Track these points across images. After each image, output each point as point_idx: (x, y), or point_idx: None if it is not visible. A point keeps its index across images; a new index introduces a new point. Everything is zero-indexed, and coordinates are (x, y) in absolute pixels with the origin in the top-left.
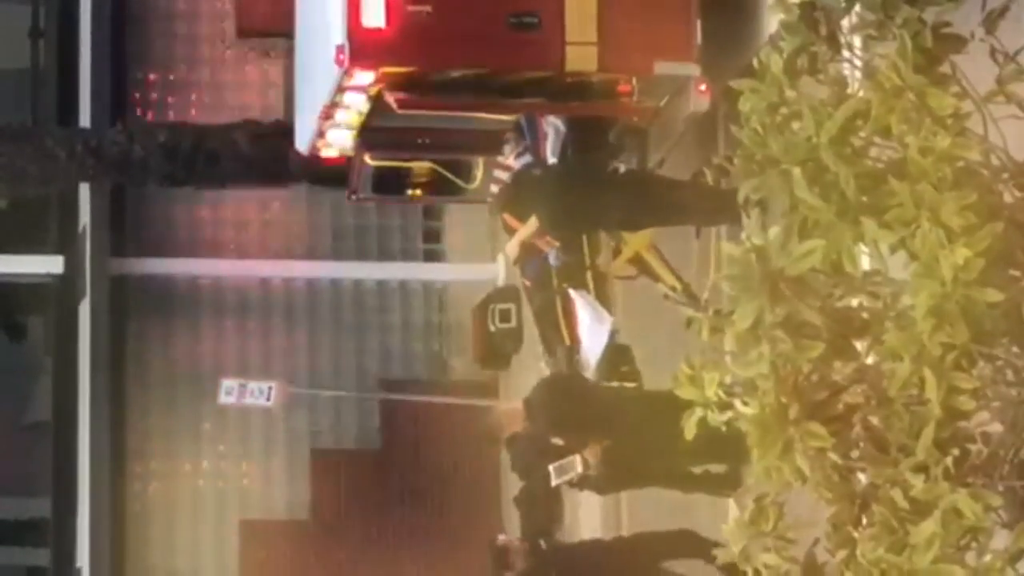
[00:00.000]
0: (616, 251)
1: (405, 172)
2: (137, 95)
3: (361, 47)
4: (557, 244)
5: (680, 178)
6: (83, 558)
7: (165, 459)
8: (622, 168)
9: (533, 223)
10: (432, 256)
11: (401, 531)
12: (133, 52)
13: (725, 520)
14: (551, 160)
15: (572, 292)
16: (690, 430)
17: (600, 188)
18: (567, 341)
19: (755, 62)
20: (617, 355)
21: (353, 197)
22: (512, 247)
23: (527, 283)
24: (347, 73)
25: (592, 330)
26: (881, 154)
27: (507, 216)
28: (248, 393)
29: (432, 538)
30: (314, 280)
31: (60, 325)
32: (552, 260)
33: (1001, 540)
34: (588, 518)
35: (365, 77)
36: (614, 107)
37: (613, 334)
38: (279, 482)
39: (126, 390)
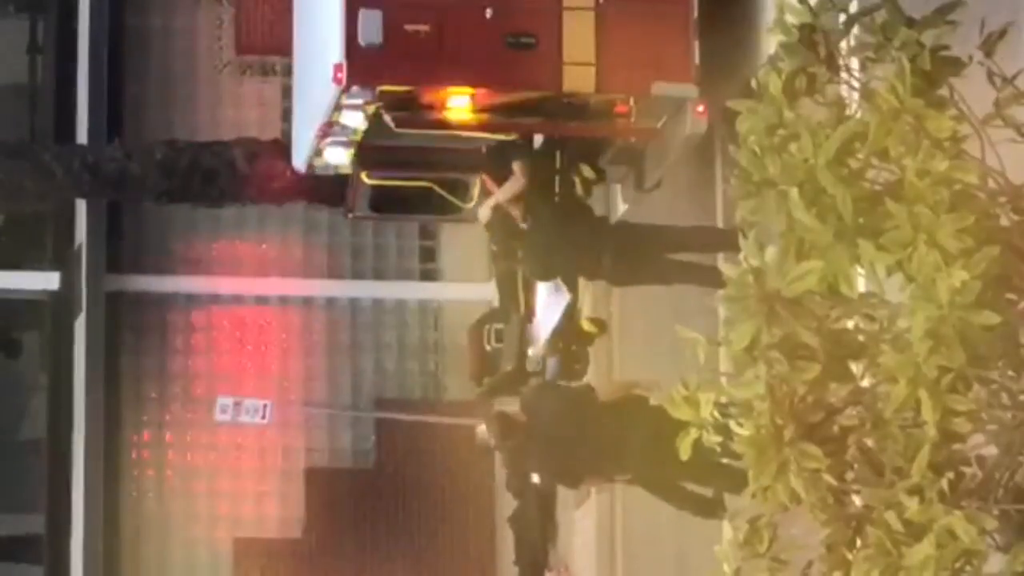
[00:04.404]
0: None
1: (402, 191)
2: (134, 112)
3: (359, 65)
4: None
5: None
6: (77, 575)
7: (159, 476)
8: (622, 205)
9: (508, 188)
10: (428, 275)
11: (395, 550)
12: (131, 69)
13: (719, 541)
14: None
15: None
16: (685, 450)
17: (593, 235)
18: (521, 311)
19: (753, 83)
20: (572, 354)
21: (350, 216)
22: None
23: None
24: (345, 91)
25: (548, 304)
26: (878, 176)
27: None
28: (243, 411)
29: (426, 557)
30: (310, 299)
31: (56, 341)
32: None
33: (996, 564)
34: (583, 539)
35: (363, 95)
36: (612, 127)
37: (568, 308)
38: (273, 500)
39: (121, 407)
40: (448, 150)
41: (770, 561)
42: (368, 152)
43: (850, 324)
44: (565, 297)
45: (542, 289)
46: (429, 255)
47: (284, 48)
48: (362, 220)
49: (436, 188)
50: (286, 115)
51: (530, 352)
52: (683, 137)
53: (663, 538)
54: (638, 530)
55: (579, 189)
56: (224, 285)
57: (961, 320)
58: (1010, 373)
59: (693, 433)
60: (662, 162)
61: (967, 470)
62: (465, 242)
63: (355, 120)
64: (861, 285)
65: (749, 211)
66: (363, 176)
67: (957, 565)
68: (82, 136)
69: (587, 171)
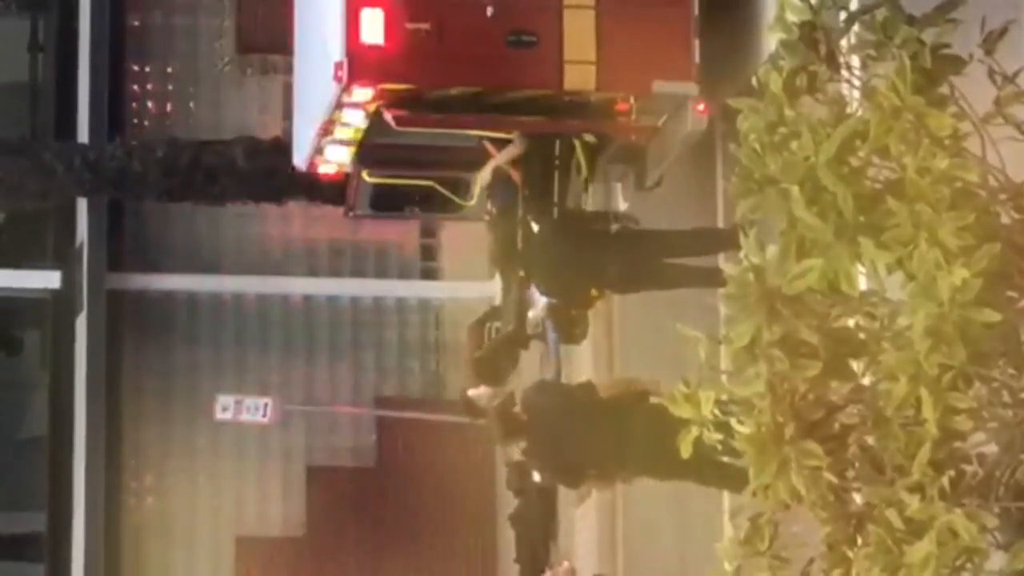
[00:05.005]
0: None
1: (403, 189)
2: (135, 110)
3: (360, 64)
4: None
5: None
6: (78, 573)
7: (161, 475)
8: (623, 204)
9: (508, 151)
10: (429, 273)
11: (396, 548)
12: (132, 67)
13: (720, 539)
14: None
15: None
16: (686, 448)
17: (596, 247)
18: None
19: (754, 81)
20: (571, 318)
21: (351, 214)
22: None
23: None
24: (346, 90)
25: None
26: (879, 174)
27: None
28: (244, 409)
29: (427, 555)
30: (311, 297)
31: (57, 340)
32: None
33: (996, 561)
34: (584, 537)
35: (363, 94)
36: (612, 126)
37: None
38: (275, 499)
39: (122, 405)
40: (449, 148)
41: (771, 559)
42: (369, 150)
43: (851, 322)
44: None
45: None
46: (430, 253)
47: (285, 46)
48: (363, 219)
49: (437, 186)
50: (287, 113)
51: (530, 315)
52: (684, 135)
53: (664, 535)
54: (639, 528)
55: (579, 155)
56: (225, 283)
57: (962, 318)
58: (1011, 371)
59: (694, 431)
60: (662, 160)
61: (968, 468)
62: (466, 240)
63: (356, 118)
64: (862, 283)
65: (750, 209)
66: (364, 174)
67: (958, 563)
68: (83, 134)
69: (587, 135)
